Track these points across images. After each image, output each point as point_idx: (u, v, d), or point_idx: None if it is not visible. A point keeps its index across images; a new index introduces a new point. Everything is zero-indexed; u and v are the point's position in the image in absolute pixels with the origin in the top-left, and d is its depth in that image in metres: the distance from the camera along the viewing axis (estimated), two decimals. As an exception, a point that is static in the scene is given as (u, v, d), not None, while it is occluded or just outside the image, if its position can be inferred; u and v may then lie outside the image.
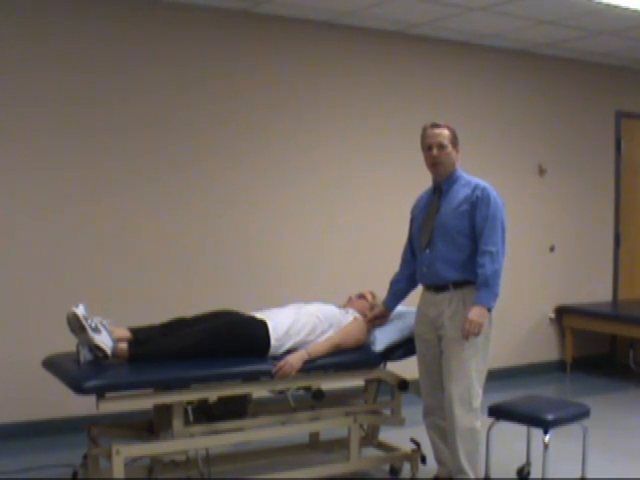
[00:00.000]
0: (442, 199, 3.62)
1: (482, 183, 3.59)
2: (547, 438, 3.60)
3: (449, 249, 3.54)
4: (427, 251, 3.62)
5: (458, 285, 3.53)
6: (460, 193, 3.58)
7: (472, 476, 3.49)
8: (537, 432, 3.78)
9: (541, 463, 3.66)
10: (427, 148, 3.63)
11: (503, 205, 3.59)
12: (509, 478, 3.45)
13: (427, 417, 3.76)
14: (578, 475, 3.85)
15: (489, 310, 3.46)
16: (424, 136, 3.66)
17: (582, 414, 3.81)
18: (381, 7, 5.11)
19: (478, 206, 3.52)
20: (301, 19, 5.41)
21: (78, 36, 4.72)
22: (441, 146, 3.58)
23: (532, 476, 3.94)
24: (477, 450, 3.52)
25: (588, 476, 3.85)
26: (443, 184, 3.64)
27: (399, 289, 3.92)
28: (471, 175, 3.67)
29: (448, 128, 3.64)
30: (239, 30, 5.23)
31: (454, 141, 3.63)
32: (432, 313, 3.60)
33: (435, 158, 3.58)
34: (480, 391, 3.52)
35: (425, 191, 3.81)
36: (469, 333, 3.40)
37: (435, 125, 3.65)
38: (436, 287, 3.59)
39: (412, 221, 3.85)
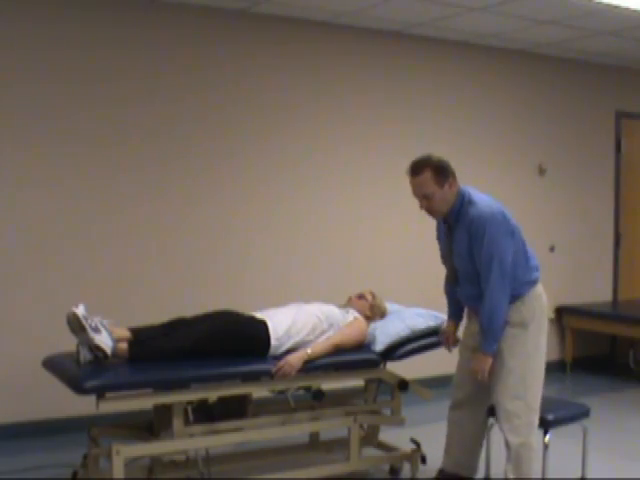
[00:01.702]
0: (453, 235, 3.47)
1: (476, 212, 3.32)
2: (547, 438, 3.59)
3: (474, 287, 3.44)
4: (458, 289, 3.61)
5: None
6: (463, 232, 3.38)
7: None
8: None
9: (541, 463, 3.65)
10: (415, 196, 3.41)
11: (502, 221, 3.32)
12: (510, 478, 3.44)
13: (453, 410, 3.72)
14: (578, 475, 3.85)
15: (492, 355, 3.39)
16: (410, 182, 3.40)
17: (582, 414, 3.81)
18: (381, 7, 5.11)
19: (474, 244, 3.33)
20: (301, 19, 5.41)
21: (78, 41, 4.71)
22: (425, 197, 3.34)
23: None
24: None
25: (588, 476, 3.86)
26: (449, 219, 3.46)
27: (459, 305, 3.76)
28: (470, 195, 3.39)
29: (430, 167, 3.31)
30: (238, 30, 5.23)
31: (440, 180, 3.31)
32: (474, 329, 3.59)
33: (425, 209, 3.40)
34: (534, 404, 3.45)
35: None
36: (475, 375, 3.43)
37: (414, 171, 3.34)
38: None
39: (437, 235, 3.71)
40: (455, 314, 3.79)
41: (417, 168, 3.33)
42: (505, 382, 3.42)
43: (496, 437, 3.79)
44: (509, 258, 3.32)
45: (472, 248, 3.35)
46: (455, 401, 3.71)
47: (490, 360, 3.38)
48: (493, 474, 3.82)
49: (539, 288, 3.57)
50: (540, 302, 3.55)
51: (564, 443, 3.98)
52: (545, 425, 3.59)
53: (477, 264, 3.36)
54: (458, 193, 3.38)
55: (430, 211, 3.41)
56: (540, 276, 3.57)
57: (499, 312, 3.33)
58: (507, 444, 3.44)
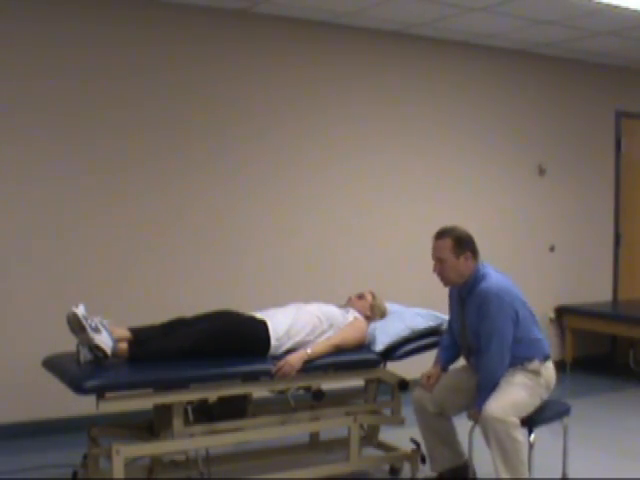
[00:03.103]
0: (465, 310, 3.62)
1: (484, 286, 3.50)
2: (533, 437, 3.57)
3: None
4: (472, 360, 3.71)
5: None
6: (474, 305, 3.55)
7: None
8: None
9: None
10: (432, 258, 3.62)
11: (506, 303, 3.48)
12: (495, 478, 3.44)
13: (422, 414, 3.78)
14: (555, 475, 3.84)
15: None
16: (432, 245, 3.63)
17: (563, 412, 3.78)
18: (381, 7, 5.11)
19: (479, 315, 3.51)
20: (301, 19, 5.41)
21: (78, 40, 4.71)
22: (439, 260, 3.56)
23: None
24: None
25: (570, 476, 3.84)
26: (462, 292, 3.63)
27: (450, 356, 3.87)
28: (485, 271, 3.56)
29: (452, 236, 3.55)
30: (238, 30, 5.23)
31: (458, 250, 3.52)
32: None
33: (437, 272, 3.59)
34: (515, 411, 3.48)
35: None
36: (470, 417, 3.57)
37: (438, 235, 3.59)
38: None
39: (450, 304, 3.84)
40: (444, 360, 3.85)
41: (441, 233, 3.59)
42: (496, 399, 3.46)
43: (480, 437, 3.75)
44: (509, 338, 3.48)
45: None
46: (427, 405, 3.72)
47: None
48: (480, 474, 3.81)
49: (551, 363, 3.68)
50: (551, 376, 3.66)
51: (547, 441, 3.96)
52: (529, 424, 3.55)
53: (479, 334, 3.51)
54: (475, 270, 3.56)
55: (440, 275, 3.60)
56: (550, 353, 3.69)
57: (495, 378, 3.49)
58: (483, 423, 3.44)
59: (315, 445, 4.23)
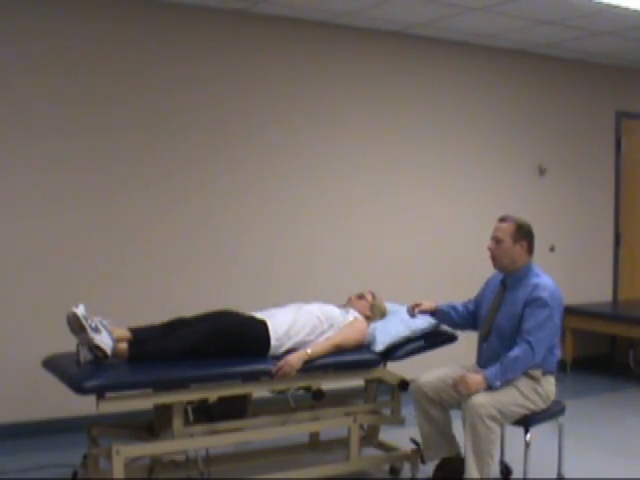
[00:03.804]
0: (505, 296, 3.70)
1: (542, 282, 3.60)
2: (528, 436, 3.57)
3: (503, 345, 3.62)
4: (484, 345, 3.74)
5: None
6: (520, 295, 3.62)
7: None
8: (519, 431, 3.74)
9: (522, 462, 3.63)
10: (491, 238, 3.73)
11: (560, 302, 3.63)
12: (490, 478, 3.45)
13: (420, 404, 3.77)
14: (554, 474, 3.84)
15: (490, 387, 3.48)
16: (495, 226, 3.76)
17: (558, 411, 3.78)
18: (381, 7, 5.11)
19: (530, 304, 3.56)
20: (301, 19, 5.41)
21: (78, 37, 4.71)
22: (497, 240, 3.67)
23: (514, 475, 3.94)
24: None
25: (566, 475, 3.84)
26: (507, 279, 3.72)
27: (452, 314, 3.94)
28: (539, 271, 3.68)
29: (515, 223, 3.67)
30: (238, 30, 5.23)
31: (517, 237, 3.64)
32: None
33: (490, 250, 3.69)
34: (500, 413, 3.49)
35: (496, 274, 3.85)
36: (455, 388, 3.54)
37: (503, 218, 3.72)
38: None
39: (481, 292, 3.93)
40: (445, 307, 3.93)
41: (506, 217, 3.73)
42: (487, 393, 3.47)
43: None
44: (553, 338, 3.61)
45: (524, 310, 3.57)
46: (426, 391, 3.72)
47: (483, 387, 3.48)
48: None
49: (554, 379, 3.74)
50: (550, 390, 3.69)
51: (543, 440, 3.96)
52: (526, 423, 3.57)
53: (522, 322, 3.55)
54: (528, 264, 3.68)
55: (493, 255, 3.70)
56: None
57: (521, 367, 3.52)
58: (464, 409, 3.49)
59: (315, 445, 4.24)
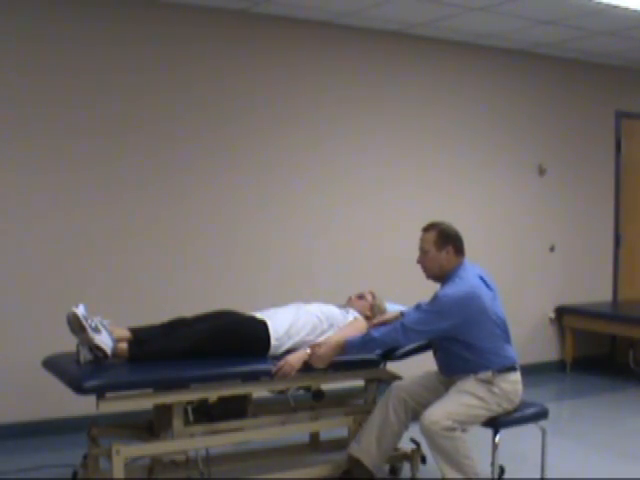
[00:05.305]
0: None
1: (454, 285, 3.55)
2: (497, 438, 3.55)
3: (442, 349, 3.68)
4: (437, 354, 3.78)
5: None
6: None
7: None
8: (519, 432, 3.74)
9: (491, 462, 3.62)
10: (418, 249, 3.71)
11: (467, 304, 3.51)
12: (482, 478, 3.44)
13: (386, 406, 3.76)
14: (538, 476, 3.81)
15: (343, 350, 3.55)
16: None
17: (538, 415, 3.71)
18: (381, 7, 5.11)
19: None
20: (301, 19, 5.41)
21: (78, 37, 4.71)
22: (423, 251, 3.65)
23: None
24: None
25: (548, 476, 3.81)
26: (442, 285, 3.69)
27: None
28: (466, 272, 3.61)
29: (437, 230, 3.63)
30: (238, 30, 5.23)
31: (440, 244, 3.60)
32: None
33: (418, 262, 3.68)
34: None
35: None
36: (311, 353, 3.57)
37: (425, 228, 3.68)
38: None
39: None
40: None
41: (428, 226, 3.68)
42: (438, 406, 3.48)
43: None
44: (426, 329, 3.54)
45: None
46: (403, 396, 3.71)
47: (333, 351, 3.56)
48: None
49: (516, 376, 3.63)
50: (510, 387, 3.60)
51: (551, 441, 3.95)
52: (494, 425, 3.55)
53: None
54: (457, 265, 3.62)
55: (422, 266, 3.68)
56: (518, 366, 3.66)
57: (380, 343, 3.60)
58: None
59: (315, 445, 4.23)
